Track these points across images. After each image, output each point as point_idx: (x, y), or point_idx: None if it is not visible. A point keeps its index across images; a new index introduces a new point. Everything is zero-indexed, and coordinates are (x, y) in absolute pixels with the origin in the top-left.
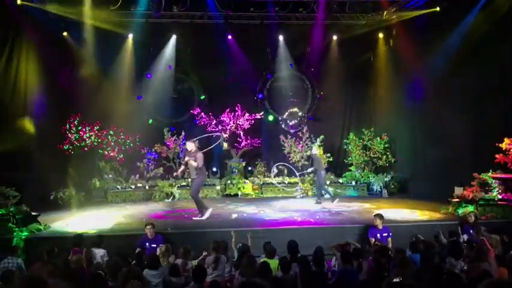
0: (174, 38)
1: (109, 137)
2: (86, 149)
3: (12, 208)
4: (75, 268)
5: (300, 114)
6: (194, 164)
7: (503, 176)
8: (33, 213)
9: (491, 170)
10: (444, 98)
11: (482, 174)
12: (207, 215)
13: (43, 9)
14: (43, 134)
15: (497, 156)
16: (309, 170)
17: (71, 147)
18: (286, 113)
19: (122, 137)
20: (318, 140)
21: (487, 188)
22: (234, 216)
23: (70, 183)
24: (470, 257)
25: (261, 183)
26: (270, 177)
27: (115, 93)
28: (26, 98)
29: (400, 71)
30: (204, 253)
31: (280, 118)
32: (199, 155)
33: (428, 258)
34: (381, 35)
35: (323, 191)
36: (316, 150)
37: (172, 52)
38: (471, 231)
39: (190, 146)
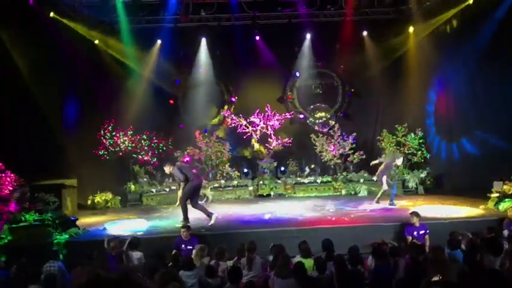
0: (204, 41)
1: (142, 141)
2: (120, 153)
3: (52, 213)
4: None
5: (328, 115)
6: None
7: None
8: (71, 218)
9: None
10: (480, 89)
11: None
12: (181, 224)
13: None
14: (79, 141)
15: None
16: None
17: (105, 152)
18: (315, 116)
19: (155, 140)
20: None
21: None
22: (268, 216)
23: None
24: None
25: (294, 182)
26: (302, 176)
27: (147, 98)
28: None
29: (432, 64)
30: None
31: (308, 120)
32: (175, 170)
33: (472, 255)
34: (411, 29)
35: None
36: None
37: (204, 55)
38: None
39: (166, 169)
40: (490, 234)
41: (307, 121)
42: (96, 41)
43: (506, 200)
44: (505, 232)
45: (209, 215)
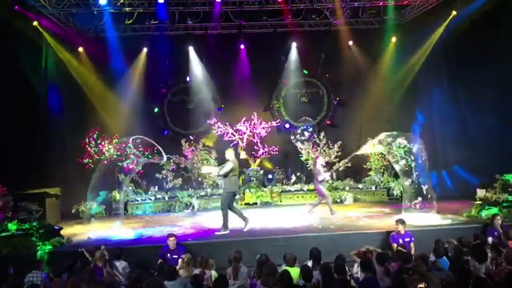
0: (191, 49)
1: (127, 149)
2: (105, 162)
3: (35, 223)
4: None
5: (313, 124)
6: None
7: None
8: (55, 227)
9: None
10: (465, 98)
11: (504, 175)
12: (223, 232)
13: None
14: (64, 149)
15: None
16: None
17: (90, 161)
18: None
19: (141, 149)
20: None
21: (510, 190)
22: (255, 225)
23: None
24: (496, 260)
25: (280, 190)
26: (288, 184)
27: (133, 106)
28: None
29: (417, 73)
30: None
31: (294, 137)
32: (228, 164)
33: (458, 262)
34: (393, 39)
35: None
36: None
37: (191, 64)
38: (496, 233)
39: (228, 153)
40: (475, 241)
41: (293, 140)
42: (80, 49)
43: (489, 207)
44: (490, 239)
45: (225, 225)
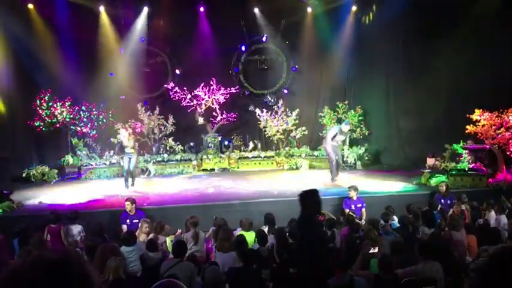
0: (145, 9)
1: (81, 113)
2: (57, 125)
3: None
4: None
5: (272, 91)
6: None
7: (472, 146)
8: (5, 192)
9: (461, 141)
10: (417, 69)
11: (453, 144)
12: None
13: None
14: (13, 111)
15: (468, 127)
16: None
17: (41, 124)
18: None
19: (95, 112)
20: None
21: (458, 158)
22: (211, 190)
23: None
24: (443, 226)
25: (237, 157)
26: (246, 151)
27: (87, 68)
28: None
29: (372, 44)
30: (179, 230)
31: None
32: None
33: (405, 227)
34: (354, 8)
35: None
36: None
37: (145, 25)
38: (443, 200)
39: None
40: (424, 207)
41: (251, 108)
42: (30, 5)
43: (438, 175)
44: (438, 206)
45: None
